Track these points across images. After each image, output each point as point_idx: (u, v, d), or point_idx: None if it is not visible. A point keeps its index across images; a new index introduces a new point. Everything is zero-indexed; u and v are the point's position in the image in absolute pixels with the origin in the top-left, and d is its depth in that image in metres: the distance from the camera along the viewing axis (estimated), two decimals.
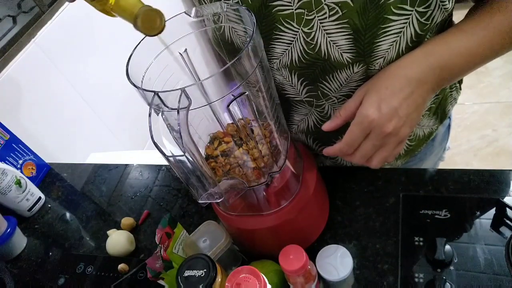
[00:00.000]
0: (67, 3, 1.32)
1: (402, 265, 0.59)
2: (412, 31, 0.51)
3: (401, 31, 0.51)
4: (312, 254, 0.57)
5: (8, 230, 0.84)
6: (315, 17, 0.52)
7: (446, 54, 0.52)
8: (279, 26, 0.54)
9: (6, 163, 0.94)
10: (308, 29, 0.53)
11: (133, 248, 0.77)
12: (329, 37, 0.53)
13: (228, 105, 0.48)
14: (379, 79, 0.53)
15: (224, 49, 0.62)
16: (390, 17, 0.50)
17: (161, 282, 0.60)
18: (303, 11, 0.52)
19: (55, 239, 0.87)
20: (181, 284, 0.50)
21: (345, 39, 0.52)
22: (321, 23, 0.52)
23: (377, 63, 0.54)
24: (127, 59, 0.48)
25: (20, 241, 0.87)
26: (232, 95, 0.47)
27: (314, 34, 0.53)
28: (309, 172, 0.63)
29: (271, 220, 0.59)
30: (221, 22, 0.58)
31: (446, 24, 0.59)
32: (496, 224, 0.59)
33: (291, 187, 0.60)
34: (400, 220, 0.65)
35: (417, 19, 0.50)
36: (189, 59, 0.57)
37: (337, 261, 0.56)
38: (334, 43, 0.53)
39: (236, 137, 0.57)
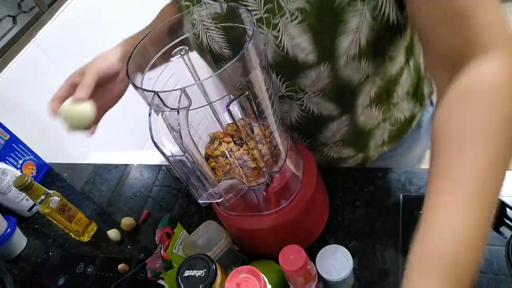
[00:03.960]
0: (67, 3, 1.32)
1: (402, 265, 0.59)
2: (366, 28, 0.52)
3: (358, 29, 0.53)
4: (312, 254, 0.57)
5: (8, 230, 0.84)
6: (279, 21, 0.53)
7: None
8: None
9: (6, 163, 0.94)
10: (276, 32, 0.54)
11: (94, 117, 0.63)
12: (292, 40, 0.54)
13: (228, 105, 0.48)
14: None
15: (210, 57, 0.64)
16: (346, 15, 0.51)
17: (161, 282, 0.60)
18: (269, 15, 0.53)
19: (55, 239, 0.87)
20: (181, 284, 0.50)
21: (307, 41, 0.54)
22: (285, 27, 0.53)
23: (342, 61, 0.56)
24: (127, 59, 0.48)
25: (20, 241, 0.87)
26: (232, 95, 0.47)
27: (281, 38, 0.55)
28: (309, 172, 0.63)
29: (271, 220, 0.59)
30: (198, 31, 0.59)
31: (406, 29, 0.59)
32: (496, 224, 0.59)
33: (291, 187, 0.60)
34: (400, 220, 0.65)
35: (370, 14, 0.51)
36: (189, 59, 0.57)
37: (337, 261, 0.56)
38: (297, 46, 0.55)
39: (236, 137, 0.57)
